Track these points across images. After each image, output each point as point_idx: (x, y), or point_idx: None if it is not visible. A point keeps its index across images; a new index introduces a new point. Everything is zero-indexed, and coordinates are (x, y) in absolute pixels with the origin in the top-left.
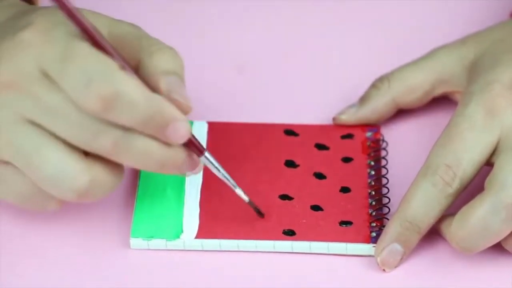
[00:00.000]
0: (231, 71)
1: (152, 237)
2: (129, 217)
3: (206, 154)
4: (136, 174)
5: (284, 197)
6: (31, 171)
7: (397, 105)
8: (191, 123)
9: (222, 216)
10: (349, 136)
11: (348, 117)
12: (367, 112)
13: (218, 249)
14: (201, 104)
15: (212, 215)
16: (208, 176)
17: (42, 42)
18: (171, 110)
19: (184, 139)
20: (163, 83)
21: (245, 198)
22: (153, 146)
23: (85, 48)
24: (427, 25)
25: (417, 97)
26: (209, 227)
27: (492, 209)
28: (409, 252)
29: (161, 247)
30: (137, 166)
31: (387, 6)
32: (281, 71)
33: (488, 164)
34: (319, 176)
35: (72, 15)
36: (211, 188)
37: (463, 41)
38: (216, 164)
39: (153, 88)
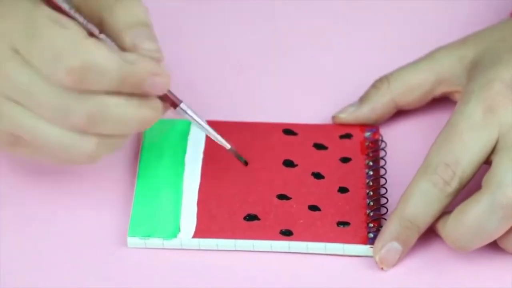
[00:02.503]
0: (230, 70)
1: (149, 236)
2: (127, 216)
3: (182, 105)
4: (134, 173)
5: (282, 197)
6: (40, 144)
7: (396, 105)
8: (190, 122)
9: (219, 216)
10: (347, 136)
11: (347, 116)
12: (366, 112)
13: (215, 248)
14: (200, 102)
15: (210, 215)
16: (206, 176)
17: (9, 17)
18: (145, 66)
19: (163, 91)
20: (128, 39)
21: (227, 146)
22: (127, 109)
23: (49, 19)
24: (427, 25)
25: (417, 97)
26: (206, 227)
27: (488, 208)
28: (407, 251)
29: (158, 246)
30: (118, 131)
31: (387, 6)
32: (280, 70)
33: (487, 162)
34: (317, 176)
35: None
36: (208, 188)
37: (463, 41)
38: (195, 116)
39: (120, 45)
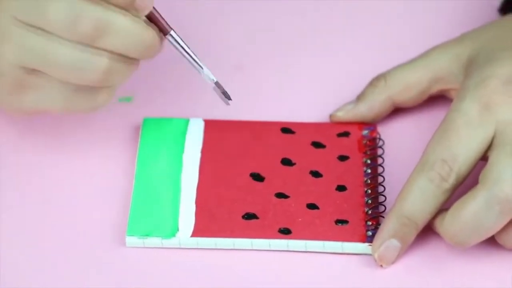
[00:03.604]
0: (228, 68)
1: (147, 235)
2: (125, 215)
3: (172, 33)
4: (132, 172)
5: (280, 195)
6: (51, 68)
7: (393, 103)
8: (187, 120)
9: (218, 215)
10: (345, 134)
11: (345, 114)
12: (364, 110)
13: (214, 247)
14: (197, 101)
15: (208, 214)
16: (204, 174)
17: None
18: None
19: (149, 9)
20: None
21: (214, 78)
22: (133, 25)
23: None
24: (427, 25)
25: (414, 95)
26: (204, 226)
27: (485, 204)
28: (406, 248)
29: (156, 245)
30: (125, 48)
31: (387, 6)
32: (278, 69)
33: (484, 158)
34: (315, 174)
35: None
36: (207, 186)
37: (459, 39)
38: (182, 44)
39: None
